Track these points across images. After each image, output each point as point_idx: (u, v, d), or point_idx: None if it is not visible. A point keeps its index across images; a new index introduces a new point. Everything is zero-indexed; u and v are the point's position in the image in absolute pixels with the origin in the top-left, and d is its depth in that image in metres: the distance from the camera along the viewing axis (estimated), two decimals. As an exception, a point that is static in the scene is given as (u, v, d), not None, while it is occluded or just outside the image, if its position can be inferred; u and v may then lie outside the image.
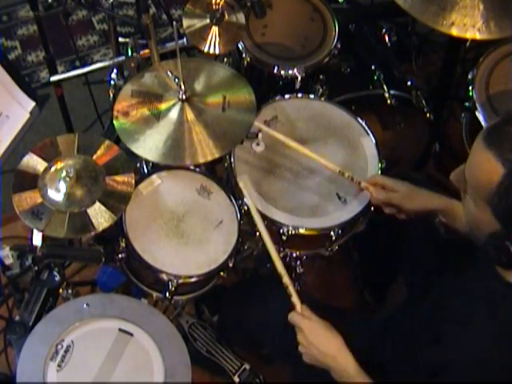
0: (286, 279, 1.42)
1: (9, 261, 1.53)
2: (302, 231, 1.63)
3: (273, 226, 1.64)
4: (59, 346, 1.39)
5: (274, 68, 1.88)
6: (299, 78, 1.86)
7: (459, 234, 1.48)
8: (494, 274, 1.22)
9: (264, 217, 1.63)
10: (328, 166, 1.66)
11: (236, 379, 1.80)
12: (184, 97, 1.61)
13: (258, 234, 1.54)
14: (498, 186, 1.10)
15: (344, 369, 1.33)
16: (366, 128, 1.79)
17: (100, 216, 1.49)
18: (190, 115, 1.61)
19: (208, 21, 1.66)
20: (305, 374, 1.41)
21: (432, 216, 1.56)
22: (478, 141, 1.15)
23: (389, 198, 1.58)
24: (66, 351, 1.39)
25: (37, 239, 1.53)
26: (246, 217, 1.66)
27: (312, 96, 1.87)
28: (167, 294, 1.57)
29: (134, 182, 1.56)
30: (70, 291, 1.59)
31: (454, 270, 1.36)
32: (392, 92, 2.09)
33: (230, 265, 1.60)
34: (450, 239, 1.56)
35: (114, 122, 1.61)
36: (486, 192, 1.12)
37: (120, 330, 1.43)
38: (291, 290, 1.41)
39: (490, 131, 1.15)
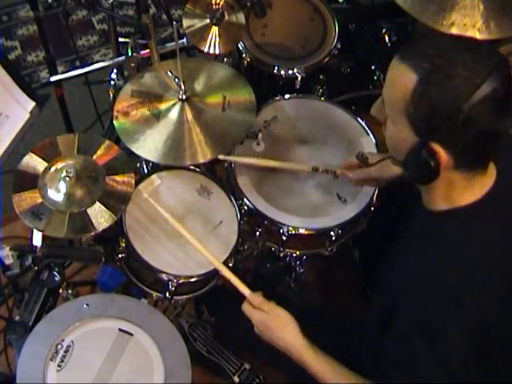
0: (226, 271, 1.44)
1: (9, 261, 1.53)
2: (301, 231, 1.63)
3: (273, 225, 1.64)
4: (59, 346, 1.39)
5: (274, 68, 1.88)
6: (299, 78, 1.86)
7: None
8: (421, 209, 1.27)
9: (264, 217, 1.63)
10: (299, 168, 1.68)
11: (236, 379, 1.80)
12: (184, 97, 1.61)
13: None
14: (412, 93, 1.12)
15: (299, 358, 1.34)
16: (366, 128, 1.79)
17: (100, 216, 1.49)
18: (189, 115, 1.61)
19: (208, 21, 1.66)
20: (298, 381, 1.42)
21: None
22: (394, 57, 1.18)
23: (368, 173, 1.59)
24: (66, 351, 1.39)
25: (37, 239, 1.53)
26: (245, 217, 1.66)
27: (312, 96, 1.87)
28: (167, 294, 1.57)
29: (133, 182, 1.56)
30: (69, 291, 1.59)
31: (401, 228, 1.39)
32: (392, 92, 2.08)
33: (230, 265, 1.60)
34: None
35: (114, 122, 1.61)
36: (402, 104, 1.14)
37: (120, 330, 1.43)
38: (234, 280, 1.42)
39: (404, 47, 1.18)
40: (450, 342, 1.15)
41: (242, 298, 1.43)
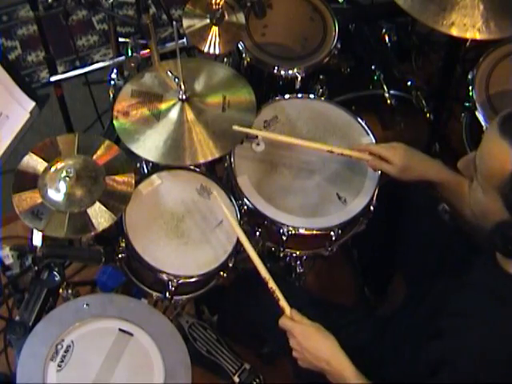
0: (272, 283, 1.41)
1: (9, 261, 1.53)
2: (302, 231, 1.63)
3: (273, 225, 1.64)
4: (59, 346, 1.39)
5: (273, 68, 1.88)
6: (299, 78, 1.86)
7: (463, 220, 1.47)
8: (494, 265, 1.23)
9: (264, 217, 1.63)
10: (316, 147, 1.67)
11: (236, 379, 1.81)
12: (184, 97, 1.61)
13: (238, 238, 1.53)
14: (511, 173, 1.10)
15: (339, 372, 1.33)
16: (366, 128, 1.79)
17: (100, 216, 1.49)
18: (189, 115, 1.61)
19: (208, 21, 1.66)
20: (304, 371, 1.41)
21: (435, 201, 1.56)
22: (492, 128, 1.14)
23: (384, 169, 1.58)
24: (66, 351, 1.39)
25: (37, 239, 1.53)
26: (245, 217, 1.66)
27: (312, 96, 1.87)
28: (167, 294, 1.57)
29: (133, 182, 1.56)
30: (70, 291, 1.59)
31: (454, 266, 1.36)
32: (392, 92, 2.09)
33: (230, 265, 1.60)
34: (450, 233, 1.56)
35: (114, 122, 1.61)
36: (497, 181, 1.12)
37: (120, 330, 1.43)
38: (278, 294, 1.40)
39: (505, 119, 1.14)
40: None
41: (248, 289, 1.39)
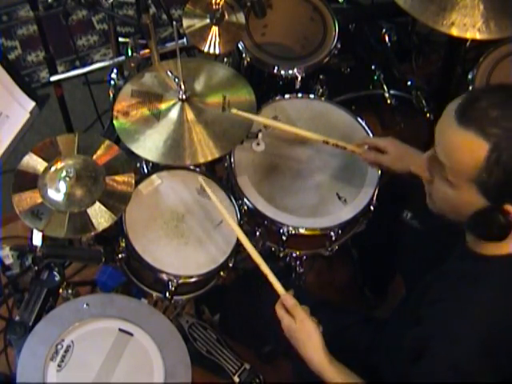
0: (264, 267, 1.41)
1: (9, 261, 1.53)
2: (302, 231, 1.63)
3: (273, 225, 1.64)
4: (59, 346, 1.39)
5: (274, 68, 1.88)
6: (299, 78, 1.86)
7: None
8: (465, 249, 1.25)
9: (264, 217, 1.63)
10: (311, 137, 1.68)
11: (236, 379, 1.80)
12: (184, 97, 1.61)
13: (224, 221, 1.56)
14: (485, 161, 1.08)
15: (312, 358, 1.34)
16: (366, 128, 1.79)
17: (100, 216, 1.49)
18: (189, 115, 1.61)
19: (208, 21, 1.66)
20: (304, 370, 1.41)
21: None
22: (449, 122, 1.12)
23: (378, 160, 1.60)
24: (66, 351, 1.39)
25: (37, 239, 1.53)
26: (245, 217, 1.66)
27: (312, 96, 1.87)
28: (167, 294, 1.57)
29: (133, 182, 1.56)
30: (70, 291, 1.59)
31: (438, 260, 1.37)
32: (392, 92, 2.09)
33: (230, 265, 1.60)
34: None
35: (114, 122, 1.61)
36: (472, 172, 1.11)
37: (120, 329, 1.43)
38: (271, 278, 1.40)
39: (463, 110, 1.11)
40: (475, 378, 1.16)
41: (250, 287, 1.40)
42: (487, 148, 1.08)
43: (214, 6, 1.66)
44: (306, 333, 1.34)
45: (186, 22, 1.66)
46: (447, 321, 1.20)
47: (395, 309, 1.62)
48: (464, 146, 1.11)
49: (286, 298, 1.37)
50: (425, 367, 1.21)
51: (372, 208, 1.69)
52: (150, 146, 1.57)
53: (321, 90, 1.96)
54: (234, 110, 1.61)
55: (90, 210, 1.49)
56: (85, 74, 2.02)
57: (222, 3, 1.66)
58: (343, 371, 1.33)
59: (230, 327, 1.92)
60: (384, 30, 2.29)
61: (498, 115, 1.08)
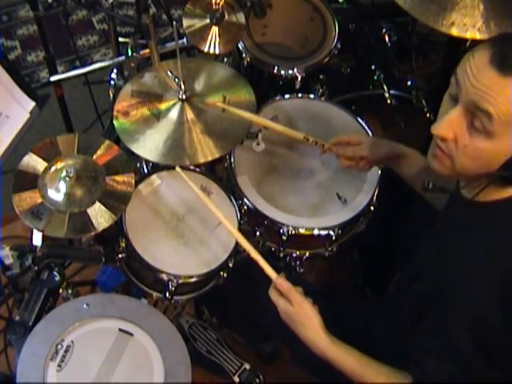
0: (254, 254, 1.39)
1: (9, 261, 1.53)
2: (302, 231, 1.63)
3: (273, 225, 1.64)
4: (59, 346, 1.39)
5: (274, 68, 1.88)
6: (299, 78, 1.86)
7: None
8: (458, 197, 1.26)
9: (264, 217, 1.63)
10: (291, 134, 1.66)
11: (236, 379, 1.80)
12: (184, 97, 1.61)
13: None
14: None
15: (314, 341, 1.33)
16: (366, 128, 1.79)
17: (100, 216, 1.49)
18: (190, 115, 1.61)
19: (208, 21, 1.66)
20: (303, 356, 1.41)
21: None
22: (489, 71, 1.09)
23: (356, 151, 1.62)
24: (66, 351, 1.39)
25: (37, 239, 1.53)
26: (245, 217, 1.66)
27: (312, 96, 1.87)
28: (167, 294, 1.57)
29: (133, 182, 1.56)
30: (70, 291, 1.59)
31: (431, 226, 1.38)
32: (392, 92, 2.09)
33: (230, 265, 1.60)
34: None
35: (114, 122, 1.61)
36: None
37: (120, 329, 1.43)
38: (262, 263, 1.38)
39: (500, 58, 1.09)
40: (493, 330, 1.16)
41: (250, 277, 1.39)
42: None
43: (213, 6, 1.66)
44: (304, 315, 1.33)
45: (185, 22, 1.66)
46: (454, 268, 1.20)
47: (388, 295, 1.62)
48: (508, 92, 1.08)
49: (280, 281, 1.35)
50: (435, 318, 1.21)
51: (372, 208, 1.69)
52: (150, 145, 1.57)
53: (321, 90, 1.96)
54: (219, 104, 1.60)
55: (90, 210, 1.49)
56: (85, 74, 2.02)
57: (221, 3, 1.66)
58: (346, 349, 1.33)
59: (227, 316, 1.91)
60: (384, 30, 2.29)
61: None
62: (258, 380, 1.80)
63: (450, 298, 1.19)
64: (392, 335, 1.43)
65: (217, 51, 1.66)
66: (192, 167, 1.69)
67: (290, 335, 1.37)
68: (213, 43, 1.66)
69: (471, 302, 1.17)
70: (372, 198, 1.68)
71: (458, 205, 1.30)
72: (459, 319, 1.18)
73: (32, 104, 1.52)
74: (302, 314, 1.33)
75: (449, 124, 1.17)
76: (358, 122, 1.80)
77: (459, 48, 2.08)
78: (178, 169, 1.55)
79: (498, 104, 1.10)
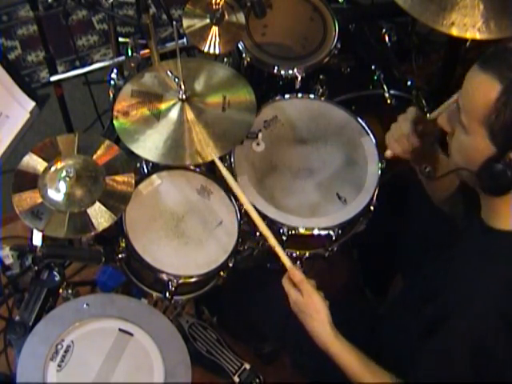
0: (272, 241, 1.42)
1: (9, 261, 1.53)
2: (301, 231, 1.63)
3: (273, 225, 1.63)
4: (59, 346, 1.39)
5: (274, 68, 1.88)
6: (299, 78, 1.86)
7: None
8: (480, 223, 1.25)
9: (264, 217, 1.63)
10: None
11: (236, 379, 1.80)
12: (184, 97, 1.61)
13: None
14: (495, 102, 1.12)
15: (319, 333, 1.35)
16: (366, 128, 1.79)
17: (100, 216, 1.49)
18: (190, 115, 1.61)
19: (208, 21, 1.66)
20: (303, 362, 1.41)
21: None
22: (473, 68, 1.17)
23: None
24: (66, 351, 1.39)
25: (37, 239, 1.53)
26: (246, 217, 1.66)
27: (312, 96, 1.87)
28: (167, 294, 1.57)
29: (133, 182, 1.56)
30: (70, 291, 1.58)
31: (446, 244, 1.37)
32: (392, 92, 2.08)
33: (230, 265, 1.60)
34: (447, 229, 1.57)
35: (114, 122, 1.61)
36: (482, 113, 1.13)
37: (120, 329, 1.43)
38: (278, 251, 1.40)
39: (486, 57, 1.17)
40: (497, 365, 1.17)
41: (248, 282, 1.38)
42: (499, 89, 1.11)
43: (214, 6, 1.66)
44: (313, 307, 1.35)
45: (185, 22, 1.66)
46: (467, 296, 1.20)
47: (394, 301, 1.62)
48: (479, 86, 1.15)
49: (294, 271, 1.37)
50: (440, 342, 1.21)
51: (372, 208, 1.69)
52: (149, 146, 1.57)
53: (321, 90, 1.96)
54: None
55: (90, 210, 1.49)
56: (85, 74, 2.02)
57: (222, 3, 1.66)
58: (349, 347, 1.33)
59: (228, 323, 1.92)
60: (384, 30, 2.28)
61: None
62: (257, 380, 1.80)
63: (458, 328, 1.19)
64: (396, 343, 1.42)
65: (217, 51, 1.66)
66: (192, 167, 1.69)
67: (290, 343, 1.38)
68: (213, 43, 1.66)
69: (476, 334, 1.18)
70: (372, 198, 1.68)
71: (476, 230, 1.29)
72: (463, 351, 1.19)
73: (32, 104, 1.52)
74: (311, 306, 1.35)
75: (444, 116, 1.27)
76: (358, 121, 1.80)
77: (459, 48, 2.09)
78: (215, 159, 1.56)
79: (471, 98, 1.16)
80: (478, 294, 1.19)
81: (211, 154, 1.55)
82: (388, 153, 1.52)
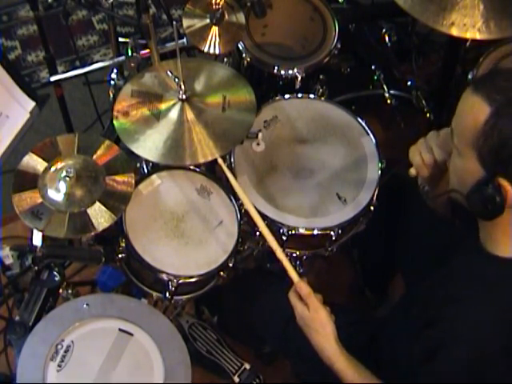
0: (280, 253, 1.41)
1: (9, 261, 1.53)
2: (301, 231, 1.63)
3: (273, 225, 1.63)
4: (59, 346, 1.39)
5: (274, 68, 1.88)
6: (299, 78, 1.86)
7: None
8: (478, 248, 1.24)
9: (264, 217, 1.63)
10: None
11: (236, 379, 1.80)
12: (184, 97, 1.61)
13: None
14: (483, 125, 1.11)
15: (324, 348, 1.34)
16: (366, 128, 1.79)
17: (100, 216, 1.49)
18: (190, 115, 1.61)
19: (208, 21, 1.66)
20: (304, 370, 1.42)
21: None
22: (466, 89, 1.17)
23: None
24: (66, 351, 1.39)
25: (37, 239, 1.53)
26: (245, 217, 1.66)
27: (312, 96, 1.87)
28: (167, 294, 1.57)
29: (133, 182, 1.56)
30: (69, 291, 1.59)
31: (443, 258, 1.36)
32: (392, 92, 2.09)
33: (230, 265, 1.60)
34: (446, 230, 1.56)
35: (114, 122, 1.61)
36: (472, 136, 1.13)
37: (120, 329, 1.43)
38: (286, 264, 1.40)
39: (477, 81, 1.19)
40: None
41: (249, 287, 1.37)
42: (488, 112, 1.11)
43: (213, 6, 1.66)
44: (319, 322, 1.35)
45: (185, 22, 1.66)
46: (462, 323, 1.19)
47: (395, 307, 1.62)
48: (468, 109, 1.15)
49: (301, 285, 1.37)
50: (439, 367, 1.21)
51: (372, 208, 1.69)
52: (150, 145, 1.57)
53: (321, 90, 1.96)
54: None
55: (90, 210, 1.49)
56: (85, 74, 2.02)
57: (221, 3, 1.67)
58: (354, 364, 1.33)
59: (229, 327, 1.92)
60: (384, 30, 2.29)
61: (507, 86, 1.12)
62: (257, 380, 1.81)
63: (456, 354, 1.19)
64: (398, 351, 1.42)
65: (217, 51, 1.66)
66: (192, 167, 1.69)
67: (291, 351, 1.38)
68: (213, 43, 1.66)
69: (474, 360, 1.17)
70: (372, 198, 1.68)
71: (476, 255, 1.28)
72: (461, 377, 1.18)
73: (32, 104, 1.52)
74: (317, 321, 1.35)
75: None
76: (358, 121, 1.80)
77: (459, 48, 2.08)
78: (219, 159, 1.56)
79: (461, 120, 1.17)
80: (477, 321, 1.18)
81: (214, 153, 1.55)
82: (413, 172, 1.46)
